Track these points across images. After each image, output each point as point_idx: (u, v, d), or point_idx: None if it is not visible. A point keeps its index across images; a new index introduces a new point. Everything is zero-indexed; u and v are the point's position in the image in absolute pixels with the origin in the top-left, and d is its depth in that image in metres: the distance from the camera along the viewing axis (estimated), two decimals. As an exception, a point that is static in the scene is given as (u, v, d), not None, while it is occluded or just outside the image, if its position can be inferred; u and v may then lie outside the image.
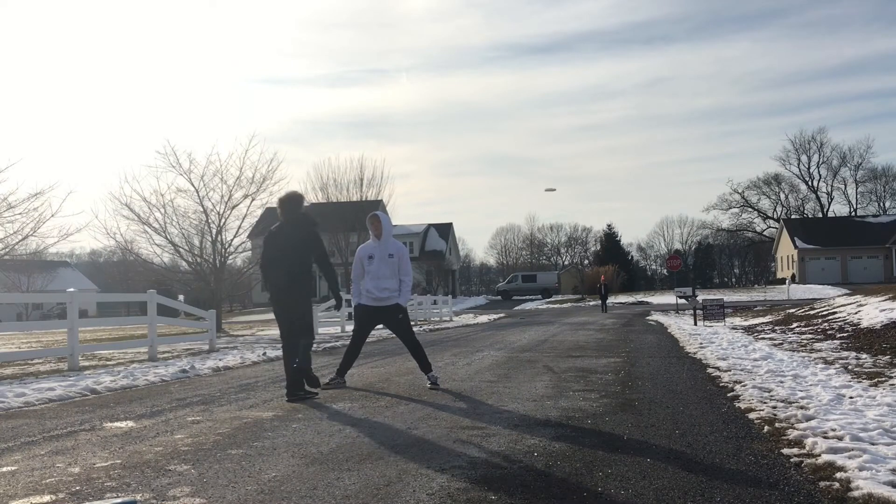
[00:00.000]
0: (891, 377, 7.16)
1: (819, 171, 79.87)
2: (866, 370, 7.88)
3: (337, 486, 3.66)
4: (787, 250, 63.43)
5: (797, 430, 4.70)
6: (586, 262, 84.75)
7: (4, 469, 4.24)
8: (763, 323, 17.86)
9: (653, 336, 15.40)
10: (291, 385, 6.85)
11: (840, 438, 4.39)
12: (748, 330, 15.75)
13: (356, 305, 7.78)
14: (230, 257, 26.85)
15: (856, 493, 3.33)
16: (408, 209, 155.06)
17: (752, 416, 5.35)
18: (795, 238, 60.76)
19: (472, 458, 4.21)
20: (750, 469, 3.88)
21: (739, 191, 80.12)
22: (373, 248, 7.67)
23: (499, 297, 62.99)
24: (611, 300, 45.77)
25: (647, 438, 4.70)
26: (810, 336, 12.67)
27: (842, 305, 16.03)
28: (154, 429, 5.48)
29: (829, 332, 12.74)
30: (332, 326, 22.76)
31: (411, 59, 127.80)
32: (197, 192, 24.48)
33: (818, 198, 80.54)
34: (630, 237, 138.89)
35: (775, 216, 79.75)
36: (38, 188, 17.03)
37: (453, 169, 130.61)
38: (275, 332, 23.66)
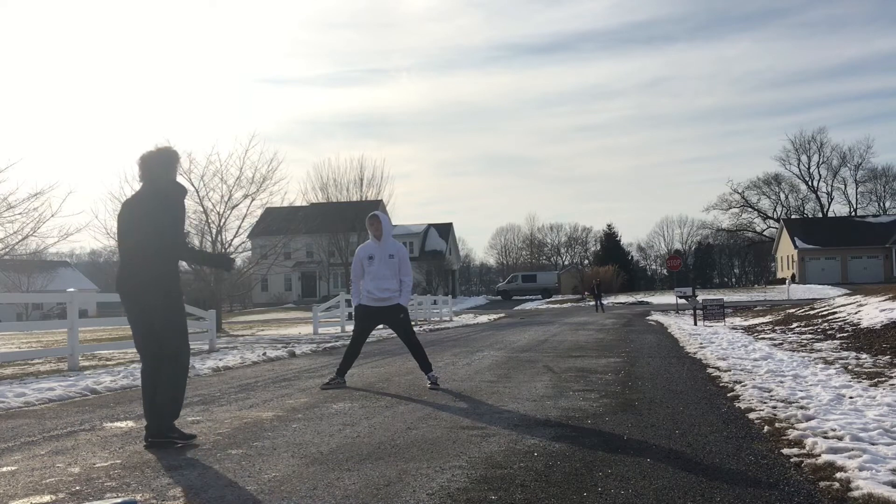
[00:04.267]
0: (891, 377, 7.16)
1: (819, 171, 80.00)
2: (866, 370, 7.87)
3: (337, 486, 3.66)
4: (787, 250, 63.42)
5: (797, 430, 4.70)
6: (586, 262, 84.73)
7: (4, 469, 4.24)
8: (763, 323, 17.86)
9: (653, 336, 15.39)
10: (153, 423, 4.83)
11: (840, 438, 4.39)
12: (748, 330, 15.74)
13: (357, 306, 7.77)
14: (230, 257, 26.83)
15: (856, 493, 3.33)
16: (408, 209, 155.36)
17: (752, 416, 5.35)
18: (795, 238, 60.76)
19: (472, 458, 4.21)
20: (750, 469, 3.88)
21: (739, 191, 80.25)
22: (373, 248, 7.66)
23: (499, 297, 62.99)
24: (611, 300, 45.83)
25: (647, 438, 4.69)
26: (810, 336, 12.67)
27: (842, 305, 16.02)
28: (154, 429, 5.48)
29: (829, 332, 12.74)
30: (332, 327, 22.76)
31: (411, 59, 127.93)
32: (197, 192, 24.48)
33: (818, 198, 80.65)
34: (630, 237, 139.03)
35: (775, 216, 79.78)
36: (38, 188, 17.05)
37: (453, 169, 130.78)
38: (275, 331, 23.67)
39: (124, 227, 4.95)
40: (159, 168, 4.95)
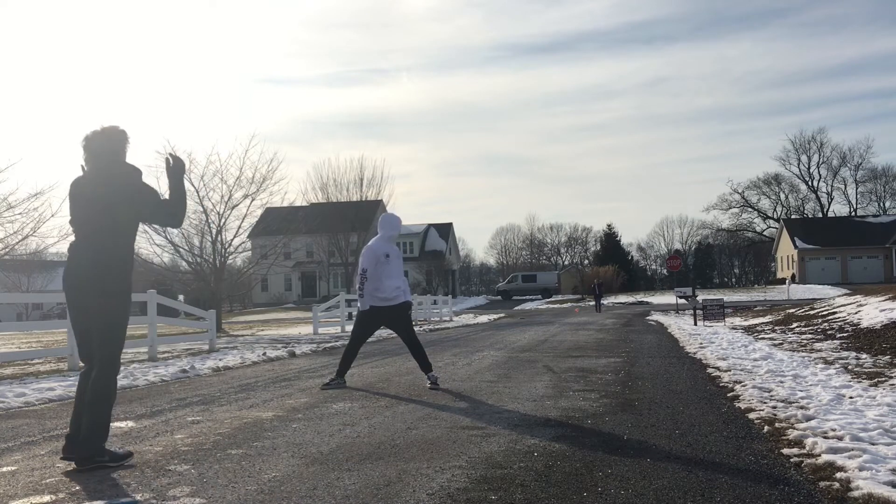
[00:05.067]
0: (891, 377, 7.16)
1: (819, 171, 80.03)
2: (866, 370, 7.87)
3: (337, 486, 3.66)
4: (787, 250, 63.42)
5: (797, 430, 4.70)
6: (586, 262, 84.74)
7: (4, 469, 4.24)
8: (763, 323, 17.86)
9: (653, 336, 15.39)
10: (71, 438, 4.30)
11: (840, 438, 4.39)
12: (748, 330, 15.74)
13: (369, 307, 7.56)
14: (230, 257, 26.88)
15: (856, 493, 3.33)
16: (408, 209, 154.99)
17: (752, 416, 5.35)
18: (795, 238, 60.76)
19: (472, 458, 4.21)
20: (750, 469, 3.88)
21: (739, 191, 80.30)
22: (387, 246, 7.64)
23: (499, 297, 62.98)
24: (611, 300, 45.82)
25: (647, 438, 4.69)
26: (810, 336, 12.67)
27: (842, 305, 16.03)
28: (154, 429, 5.48)
29: (829, 332, 12.74)
30: (332, 327, 22.76)
31: (411, 59, 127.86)
32: (197, 192, 24.47)
33: (818, 198, 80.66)
34: (630, 237, 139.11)
35: (775, 216, 79.81)
36: (38, 188, 17.03)
37: (453, 169, 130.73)
38: (275, 331, 23.66)
39: (77, 213, 4.43)
40: (104, 150, 4.41)
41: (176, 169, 4.58)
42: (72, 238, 4.51)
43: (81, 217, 4.40)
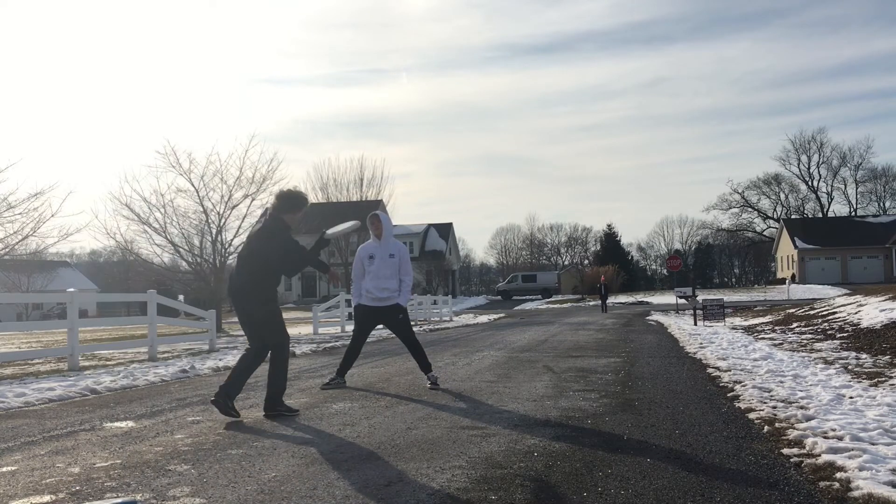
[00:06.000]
0: (891, 377, 7.16)
1: (819, 171, 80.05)
2: (866, 370, 7.88)
3: (337, 486, 3.66)
4: (787, 250, 63.43)
5: (797, 430, 4.70)
6: (586, 262, 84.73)
7: (4, 469, 4.24)
8: (763, 323, 17.86)
9: (653, 336, 15.39)
10: (270, 398, 6.10)
11: (840, 438, 4.39)
12: (748, 330, 15.74)
13: (356, 305, 7.79)
14: (230, 257, 26.87)
15: (856, 493, 3.33)
16: (408, 209, 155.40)
17: (752, 416, 5.35)
18: (795, 238, 60.76)
19: (472, 458, 4.21)
20: (750, 469, 3.88)
21: (739, 191, 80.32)
22: (373, 247, 7.68)
23: (499, 297, 62.99)
24: (611, 300, 45.76)
25: (647, 438, 4.70)
26: (810, 336, 12.66)
27: (842, 305, 16.03)
28: (154, 429, 5.49)
29: (829, 332, 12.74)
30: (332, 327, 22.77)
31: (411, 59, 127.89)
32: (197, 192, 24.51)
33: (818, 198, 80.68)
34: (630, 237, 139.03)
35: (775, 216, 79.81)
36: (38, 188, 17.04)
37: (453, 169, 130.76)
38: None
39: (244, 249, 6.18)
40: (276, 207, 6.09)
41: (322, 244, 6.35)
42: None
43: (245, 251, 6.13)
